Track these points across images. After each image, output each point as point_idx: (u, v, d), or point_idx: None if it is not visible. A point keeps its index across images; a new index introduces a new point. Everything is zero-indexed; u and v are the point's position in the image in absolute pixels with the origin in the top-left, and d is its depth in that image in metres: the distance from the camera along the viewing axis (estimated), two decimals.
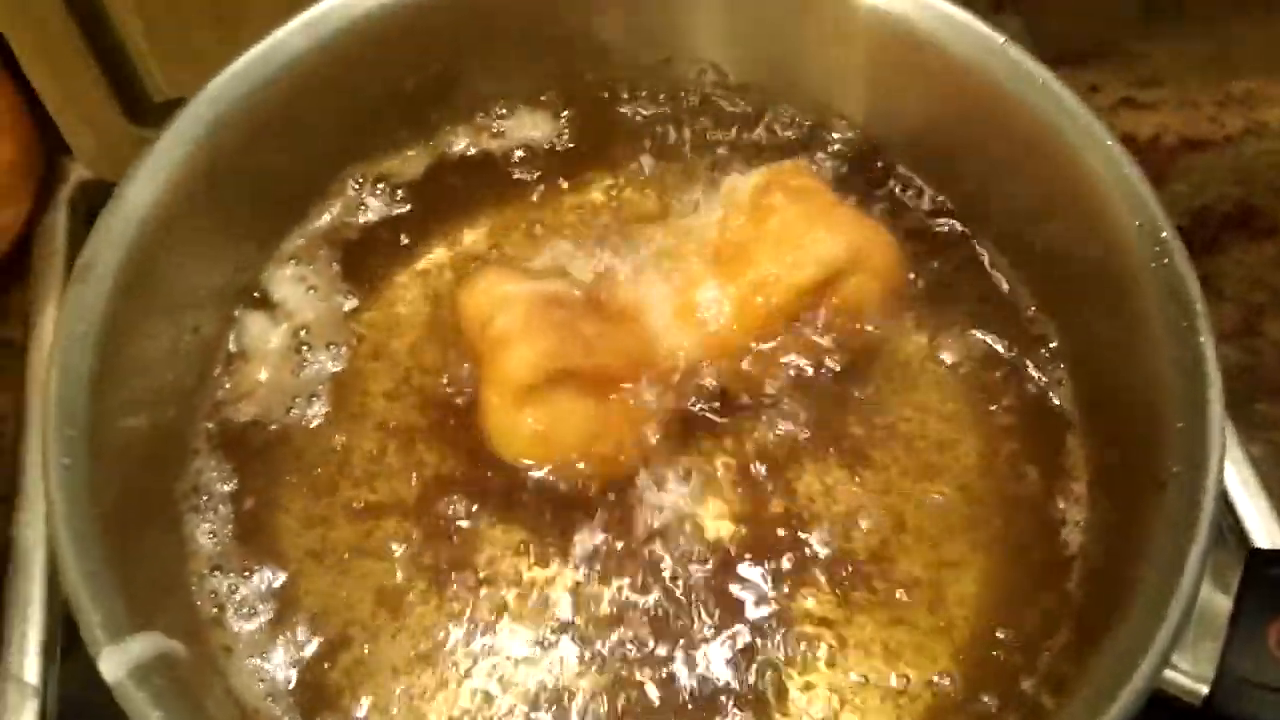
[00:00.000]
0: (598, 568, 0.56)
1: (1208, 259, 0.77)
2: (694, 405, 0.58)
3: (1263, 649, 0.45)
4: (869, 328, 0.60)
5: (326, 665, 0.54)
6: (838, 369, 0.59)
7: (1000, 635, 0.54)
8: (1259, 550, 0.57)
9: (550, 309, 0.56)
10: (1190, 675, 0.46)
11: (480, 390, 0.57)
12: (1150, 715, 0.45)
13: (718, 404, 0.59)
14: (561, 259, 0.62)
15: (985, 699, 0.52)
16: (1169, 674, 0.46)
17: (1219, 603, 0.46)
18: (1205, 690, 0.45)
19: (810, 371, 0.59)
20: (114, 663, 0.45)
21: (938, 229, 0.64)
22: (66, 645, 0.64)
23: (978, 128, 0.60)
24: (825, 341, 0.59)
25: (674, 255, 0.60)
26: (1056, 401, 0.59)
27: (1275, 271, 0.77)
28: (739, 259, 0.58)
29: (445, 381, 0.61)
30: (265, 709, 0.52)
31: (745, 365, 0.59)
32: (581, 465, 0.56)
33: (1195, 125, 0.81)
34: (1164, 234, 0.52)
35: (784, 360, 0.59)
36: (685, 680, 0.53)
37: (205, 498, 0.57)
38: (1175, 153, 0.80)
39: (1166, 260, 0.51)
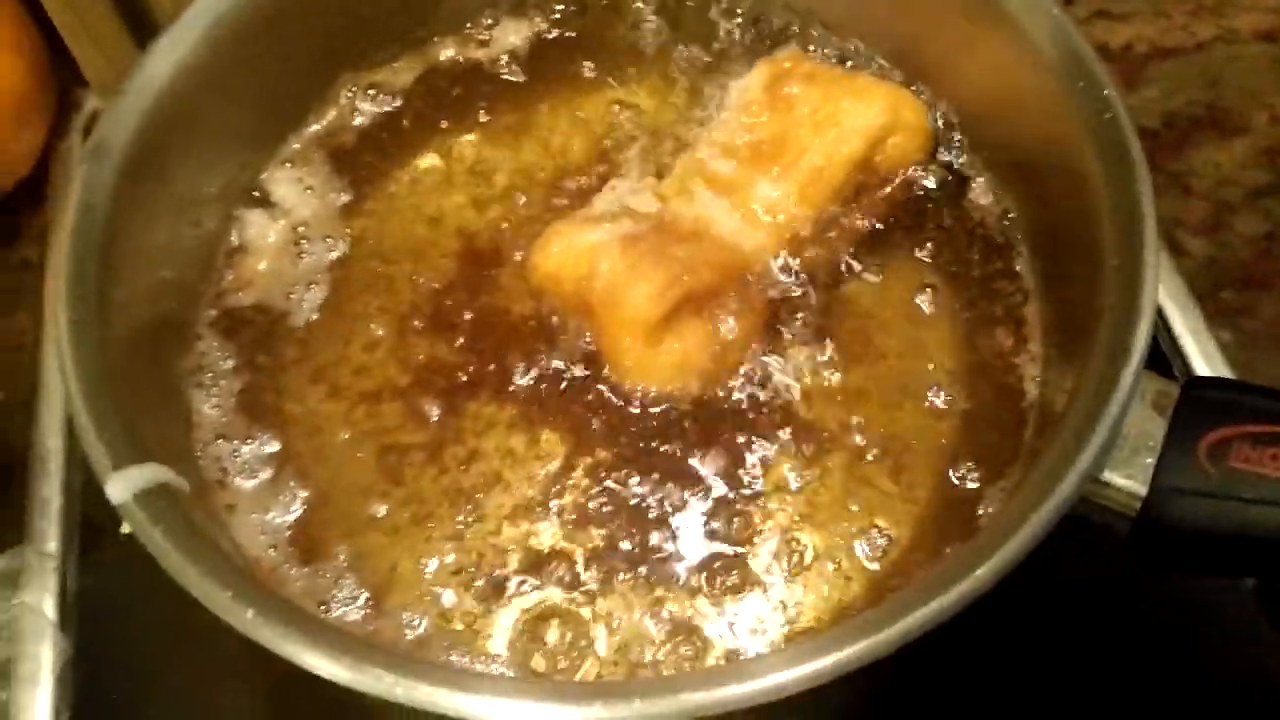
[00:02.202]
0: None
1: (1178, 158, 0.79)
2: (790, 293, 0.61)
3: (1193, 460, 0.47)
4: (910, 180, 0.63)
5: (323, 520, 0.56)
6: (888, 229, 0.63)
7: (957, 481, 0.56)
8: (1195, 377, 0.59)
9: (638, 245, 0.58)
10: (1126, 489, 0.48)
11: (606, 337, 0.58)
12: (1091, 530, 0.48)
13: (809, 286, 0.61)
14: (611, 194, 0.63)
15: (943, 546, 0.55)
16: (1107, 489, 0.48)
17: (1157, 425, 0.49)
18: (1139, 502, 0.48)
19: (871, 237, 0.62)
20: (120, 486, 0.47)
21: None
22: (82, 547, 0.68)
23: (933, 9, 0.63)
24: (879, 203, 0.62)
25: (708, 165, 0.62)
26: (1017, 269, 0.61)
27: (1244, 170, 0.79)
28: (784, 150, 0.61)
29: (436, 277, 0.63)
30: (266, 558, 0.55)
31: (819, 245, 0.61)
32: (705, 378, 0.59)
33: (1167, 34, 0.84)
34: (1105, 91, 0.54)
35: (848, 230, 0.62)
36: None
37: (209, 375, 0.60)
38: (1147, 59, 0.83)
39: (1108, 115, 0.53)
